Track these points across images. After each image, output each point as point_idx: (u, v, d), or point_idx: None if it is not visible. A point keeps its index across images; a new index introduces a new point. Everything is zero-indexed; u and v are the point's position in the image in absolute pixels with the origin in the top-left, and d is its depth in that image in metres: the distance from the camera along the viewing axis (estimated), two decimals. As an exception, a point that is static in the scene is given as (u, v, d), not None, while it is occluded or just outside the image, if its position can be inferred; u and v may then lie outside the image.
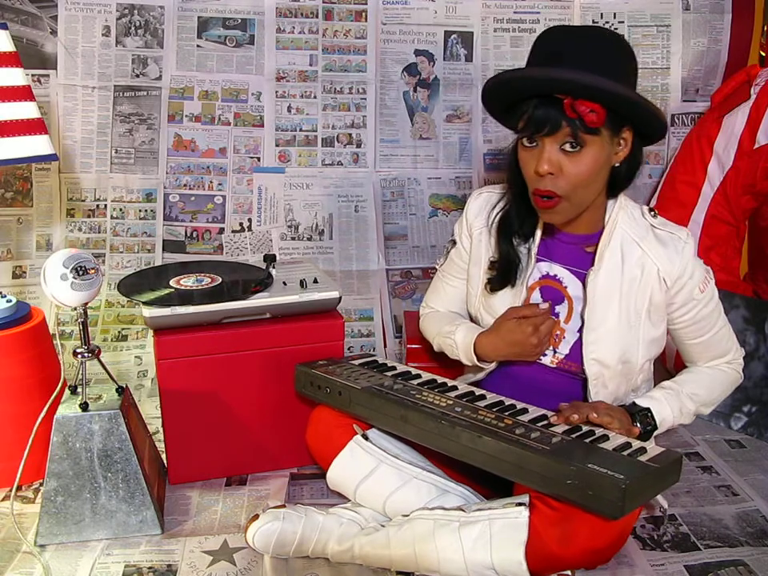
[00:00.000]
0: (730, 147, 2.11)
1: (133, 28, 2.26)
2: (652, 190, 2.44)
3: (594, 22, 2.40)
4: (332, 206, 2.38)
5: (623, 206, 1.41)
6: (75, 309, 1.40)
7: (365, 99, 2.37)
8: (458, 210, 2.40)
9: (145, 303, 1.55)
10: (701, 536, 1.45)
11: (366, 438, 1.44)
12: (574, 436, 1.25)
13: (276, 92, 2.34)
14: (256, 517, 1.39)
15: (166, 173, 2.32)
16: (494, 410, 1.35)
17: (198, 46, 2.30)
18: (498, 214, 1.49)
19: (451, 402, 1.37)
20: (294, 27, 2.32)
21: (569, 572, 1.27)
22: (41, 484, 1.52)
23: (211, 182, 2.34)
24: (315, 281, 1.70)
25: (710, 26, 2.43)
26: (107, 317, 2.30)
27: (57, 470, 1.40)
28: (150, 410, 1.94)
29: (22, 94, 1.62)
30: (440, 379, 1.52)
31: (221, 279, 1.69)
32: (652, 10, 2.41)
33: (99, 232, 2.31)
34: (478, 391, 1.45)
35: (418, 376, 1.53)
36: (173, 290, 1.62)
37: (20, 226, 2.26)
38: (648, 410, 1.36)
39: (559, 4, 2.39)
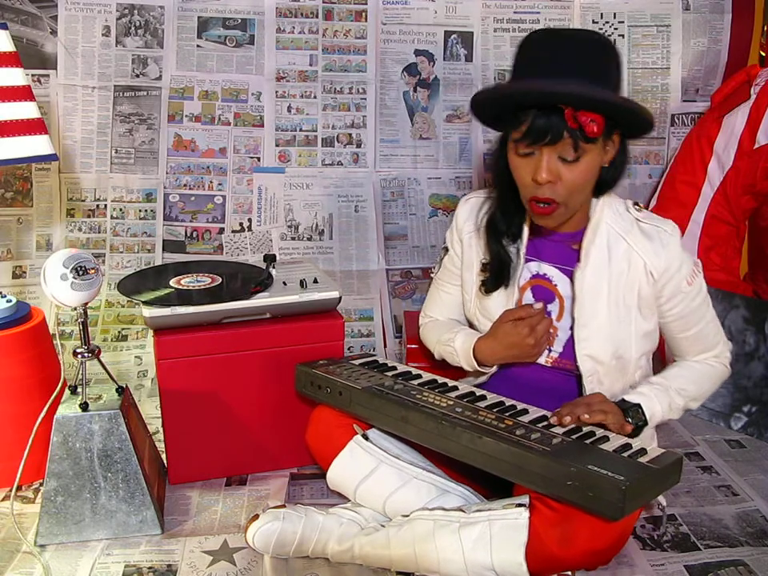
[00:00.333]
0: (730, 147, 2.11)
1: (133, 28, 2.26)
2: (652, 190, 2.44)
3: (593, 22, 2.40)
4: (332, 206, 2.38)
5: (607, 202, 1.41)
6: (75, 309, 1.40)
7: (365, 99, 2.37)
8: (458, 210, 2.40)
9: (145, 303, 1.55)
10: (701, 536, 1.45)
11: (366, 438, 1.44)
12: (574, 437, 1.25)
13: (276, 92, 2.34)
14: (256, 517, 1.39)
15: (166, 173, 2.32)
16: (495, 410, 1.35)
17: (197, 46, 2.30)
18: (484, 216, 1.50)
19: (452, 403, 1.37)
20: (293, 27, 2.32)
21: (569, 573, 1.27)
22: (41, 484, 1.52)
23: (211, 181, 2.34)
24: (315, 281, 1.70)
25: (710, 26, 2.43)
26: (107, 317, 2.30)
27: (57, 470, 1.40)
28: (150, 410, 1.94)
29: (22, 93, 1.62)
30: (440, 379, 1.52)
31: (221, 279, 1.69)
32: (652, 10, 2.41)
33: (99, 232, 2.31)
34: (479, 392, 1.45)
35: (419, 376, 1.53)
36: (173, 290, 1.63)
37: (20, 225, 2.26)
38: (638, 405, 1.36)
39: (559, 4, 2.39)
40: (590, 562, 1.24)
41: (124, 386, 1.51)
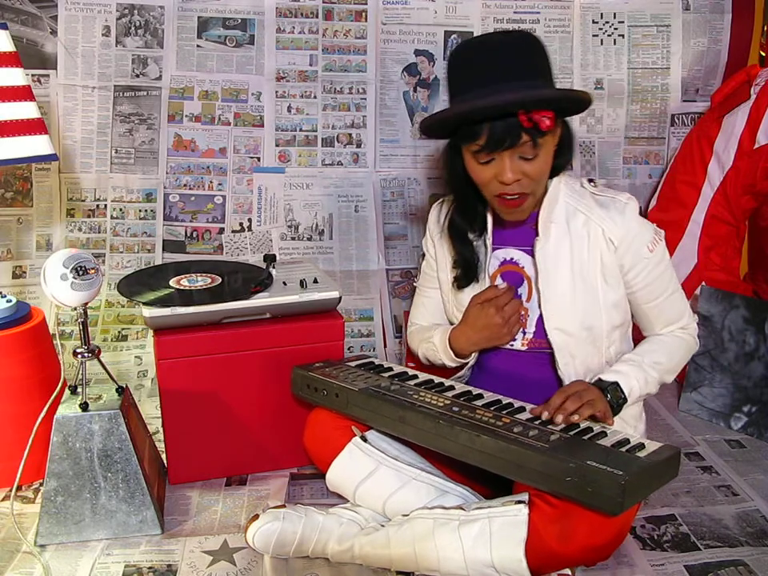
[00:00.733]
0: (730, 147, 2.11)
1: (133, 28, 2.26)
2: (652, 189, 2.44)
3: (594, 22, 2.40)
4: (332, 206, 2.38)
5: (563, 180, 1.46)
6: (75, 309, 1.40)
7: (365, 99, 2.37)
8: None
9: (145, 303, 1.55)
10: (701, 536, 1.45)
11: (365, 440, 1.44)
12: (572, 433, 1.26)
13: (276, 92, 2.34)
14: (256, 517, 1.39)
15: (166, 173, 2.32)
16: (492, 408, 1.36)
17: (197, 46, 2.30)
18: (445, 218, 1.55)
19: (449, 402, 1.37)
20: (293, 27, 2.32)
21: (568, 571, 1.27)
22: (41, 484, 1.52)
23: (211, 182, 2.34)
24: (315, 281, 1.70)
25: (710, 26, 2.43)
26: (107, 317, 2.30)
27: (57, 470, 1.40)
28: (150, 410, 1.94)
29: (22, 93, 1.62)
30: (437, 379, 1.52)
31: (221, 279, 1.69)
32: (652, 10, 2.41)
33: (99, 232, 2.31)
34: (476, 390, 1.46)
35: (415, 377, 1.53)
36: (173, 290, 1.63)
37: (20, 225, 2.26)
38: (616, 383, 1.37)
39: (559, 4, 2.39)
40: (590, 557, 1.25)
41: (124, 386, 1.51)
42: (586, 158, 2.46)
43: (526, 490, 1.25)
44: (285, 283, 1.69)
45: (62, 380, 1.50)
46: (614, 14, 2.41)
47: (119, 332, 2.28)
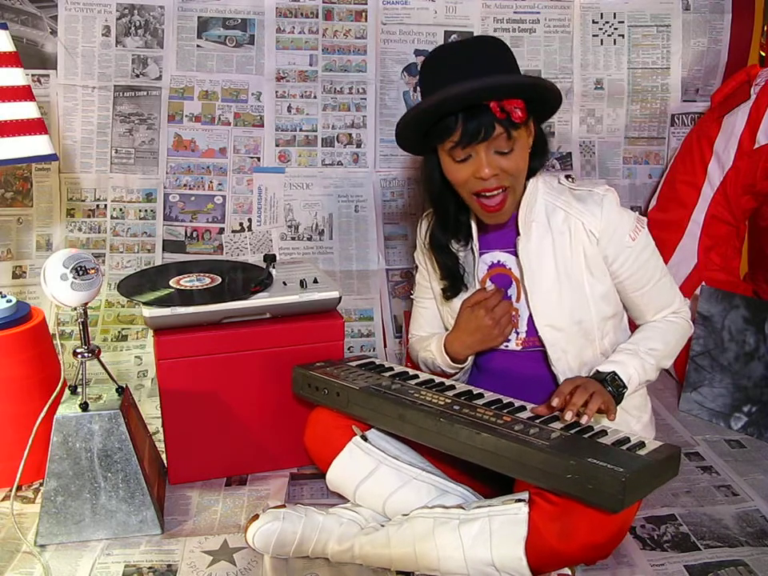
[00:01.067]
0: (730, 147, 2.11)
1: (133, 28, 2.26)
2: (652, 189, 2.44)
3: (594, 22, 2.40)
4: (332, 206, 2.38)
5: (540, 179, 1.47)
6: (75, 309, 1.40)
7: (365, 99, 2.37)
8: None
9: (145, 303, 1.55)
10: (701, 536, 1.45)
11: (365, 439, 1.44)
12: (572, 431, 1.26)
13: (276, 92, 2.34)
14: (256, 517, 1.39)
15: (166, 173, 2.32)
16: (493, 407, 1.36)
17: (197, 46, 2.30)
18: (426, 234, 1.57)
19: (449, 401, 1.37)
20: (293, 27, 2.32)
21: (568, 570, 1.27)
22: (41, 484, 1.52)
23: (211, 182, 2.34)
24: (315, 281, 1.70)
25: (710, 26, 2.43)
26: (107, 317, 2.30)
27: (57, 470, 1.40)
28: (150, 410, 1.94)
29: (22, 94, 1.62)
30: (437, 379, 1.52)
31: (221, 279, 1.69)
32: (652, 10, 2.41)
33: (99, 232, 2.31)
34: (476, 390, 1.46)
35: (416, 376, 1.54)
36: (173, 290, 1.63)
37: (20, 225, 2.26)
38: (614, 373, 1.38)
39: (559, 4, 2.39)
40: (590, 555, 1.24)
41: (124, 386, 1.51)
42: (586, 158, 2.46)
43: (526, 488, 1.25)
44: (285, 283, 1.69)
45: (61, 380, 1.50)
46: (614, 13, 2.41)
47: (119, 332, 2.28)
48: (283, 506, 1.41)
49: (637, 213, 1.49)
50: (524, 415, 1.33)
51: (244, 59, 2.32)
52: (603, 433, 1.26)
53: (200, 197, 2.34)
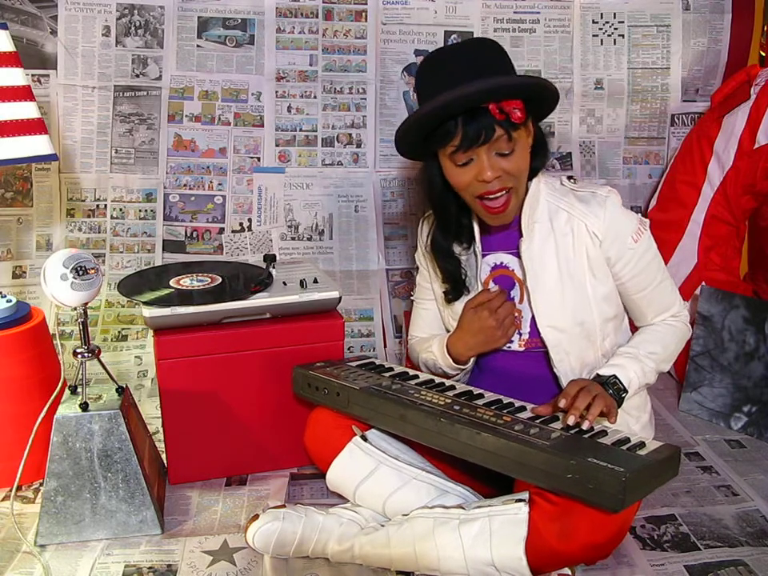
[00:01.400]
0: (730, 147, 2.11)
1: (133, 28, 2.26)
2: (652, 189, 2.44)
3: (594, 22, 2.40)
4: (332, 206, 2.38)
5: (542, 180, 1.47)
6: (75, 309, 1.40)
7: (365, 99, 2.37)
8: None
9: (145, 303, 1.55)
10: (701, 536, 1.45)
11: (365, 439, 1.44)
12: (572, 432, 1.26)
13: (276, 92, 2.34)
14: (256, 517, 1.39)
15: (166, 173, 2.32)
16: (493, 407, 1.36)
17: (197, 45, 2.30)
18: (427, 237, 1.57)
19: (449, 401, 1.37)
20: (293, 27, 2.32)
21: (568, 570, 1.27)
22: (41, 484, 1.52)
23: (211, 182, 2.34)
24: (315, 281, 1.70)
25: (710, 26, 2.43)
26: (107, 317, 2.30)
27: (57, 470, 1.40)
28: (150, 410, 1.94)
29: (22, 94, 1.62)
30: (438, 379, 1.52)
31: (221, 279, 1.69)
32: (652, 10, 2.41)
33: (99, 232, 2.31)
34: (476, 390, 1.46)
35: (416, 376, 1.54)
36: (173, 290, 1.63)
37: (20, 225, 2.26)
38: (614, 376, 1.38)
39: (559, 4, 2.39)
40: (590, 555, 1.24)
41: (124, 386, 1.51)
42: (586, 158, 2.46)
43: (527, 488, 1.25)
44: (285, 283, 1.69)
45: (61, 380, 1.50)
46: (614, 13, 2.41)
47: (119, 332, 2.28)
48: (283, 506, 1.41)
49: (639, 215, 1.49)
50: (524, 415, 1.33)
51: (244, 59, 2.32)
52: (603, 433, 1.26)
53: (200, 197, 2.34)
